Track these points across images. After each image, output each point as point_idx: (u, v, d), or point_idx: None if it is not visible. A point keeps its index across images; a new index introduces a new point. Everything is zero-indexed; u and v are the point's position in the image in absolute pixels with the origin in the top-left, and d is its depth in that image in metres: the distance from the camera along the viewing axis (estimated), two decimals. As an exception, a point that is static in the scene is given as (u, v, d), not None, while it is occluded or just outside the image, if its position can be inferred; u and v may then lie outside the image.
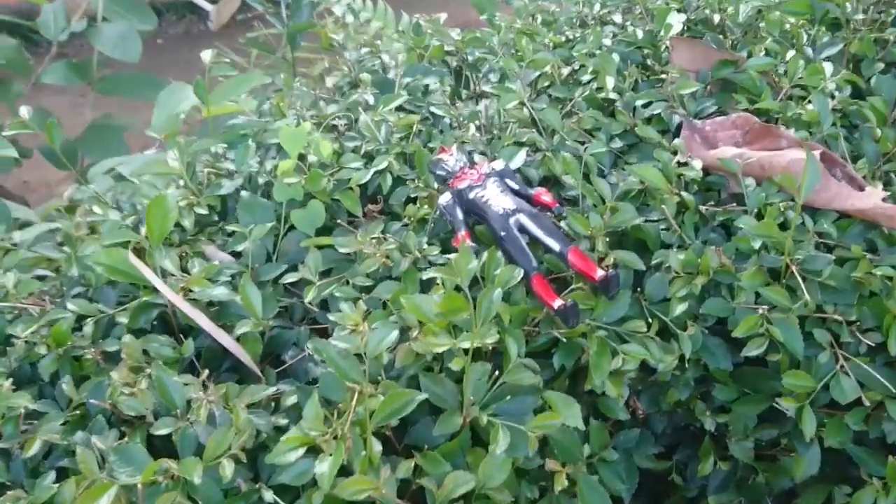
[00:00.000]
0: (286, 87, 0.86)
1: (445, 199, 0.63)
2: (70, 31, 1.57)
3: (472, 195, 0.62)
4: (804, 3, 0.87)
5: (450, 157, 0.65)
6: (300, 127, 0.69)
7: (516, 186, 0.64)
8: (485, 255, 0.58)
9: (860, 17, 0.85)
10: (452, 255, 0.59)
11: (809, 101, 0.70)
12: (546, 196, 0.64)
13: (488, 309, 0.52)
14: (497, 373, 0.52)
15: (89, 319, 0.60)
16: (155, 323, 0.62)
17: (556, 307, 0.55)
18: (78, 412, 0.55)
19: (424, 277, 0.59)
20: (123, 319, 0.61)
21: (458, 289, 0.52)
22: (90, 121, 1.71)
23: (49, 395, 0.59)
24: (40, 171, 1.74)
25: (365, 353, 0.49)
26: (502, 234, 0.59)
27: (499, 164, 0.65)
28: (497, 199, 0.61)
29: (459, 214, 0.62)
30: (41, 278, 0.66)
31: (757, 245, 0.59)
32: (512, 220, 0.59)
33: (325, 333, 0.63)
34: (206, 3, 3.38)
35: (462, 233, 0.61)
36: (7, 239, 0.70)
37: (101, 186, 1.14)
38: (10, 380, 0.55)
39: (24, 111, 0.73)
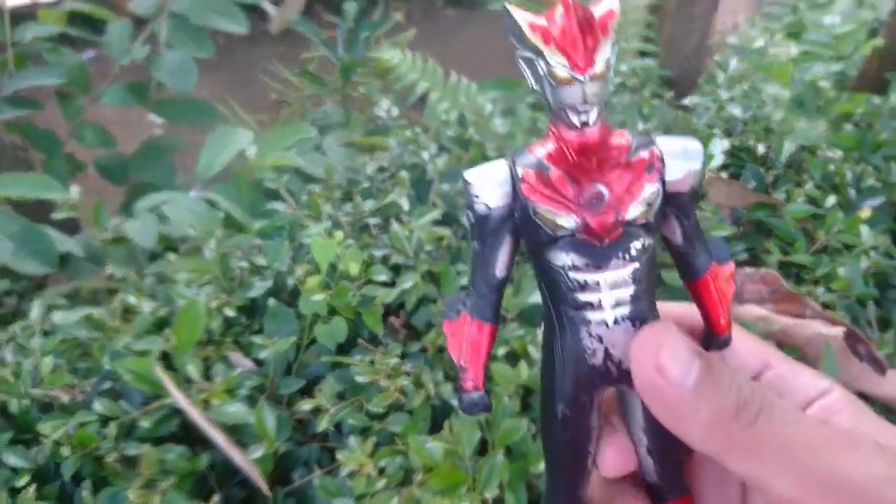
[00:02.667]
0: (326, 176, 0.88)
1: None
2: (132, 56, 1.62)
3: None
4: (852, 139, 0.86)
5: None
6: (331, 240, 0.71)
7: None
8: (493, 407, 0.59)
9: (909, 158, 0.83)
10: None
11: (842, 265, 0.69)
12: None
13: (489, 476, 0.54)
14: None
15: (113, 423, 0.63)
16: (174, 430, 0.64)
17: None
18: (93, 523, 0.58)
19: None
20: (146, 424, 0.63)
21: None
22: (143, 139, 1.76)
23: (70, 491, 0.62)
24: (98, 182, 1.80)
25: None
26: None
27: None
28: None
29: None
30: (74, 370, 0.69)
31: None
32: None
33: (335, 451, 0.65)
34: (268, 5, 3.45)
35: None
36: (47, 321, 0.74)
37: (143, 229, 1.18)
38: (34, 485, 0.58)
39: (75, 192, 0.76)
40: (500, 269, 0.26)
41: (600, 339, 0.25)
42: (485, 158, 0.92)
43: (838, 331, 0.62)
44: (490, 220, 0.25)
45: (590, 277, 0.25)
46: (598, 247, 0.24)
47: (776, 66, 1.51)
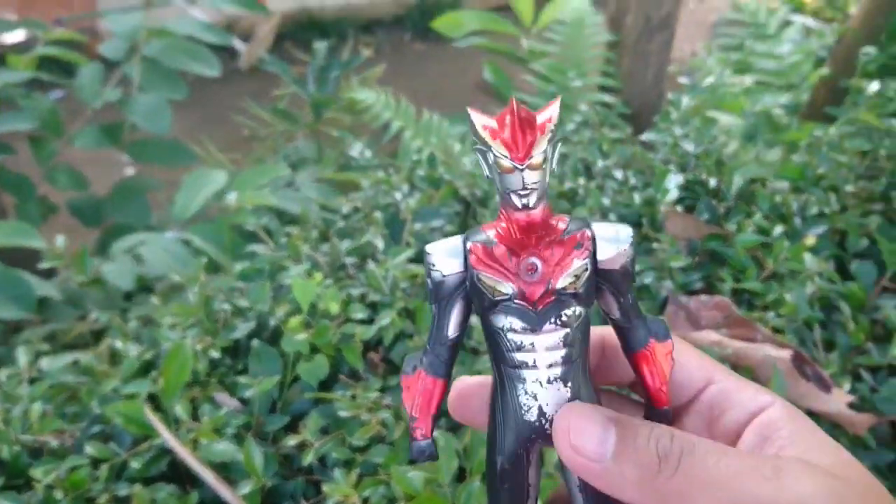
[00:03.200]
0: (302, 217, 0.91)
1: None
2: (104, 99, 1.64)
3: None
4: (796, 170, 0.92)
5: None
6: (311, 281, 0.75)
7: None
8: (467, 437, 0.63)
9: (850, 188, 0.90)
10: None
11: (790, 291, 0.74)
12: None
13: (467, 501, 0.57)
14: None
15: (104, 465, 0.65)
16: (164, 470, 0.67)
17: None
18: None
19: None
20: (136, 464, 0.66)
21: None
22: (116, 179, 1.78)
23: (62, 534, 0.64)
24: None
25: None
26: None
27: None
28: None
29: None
30: (62, 415, 0.71)
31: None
32: None
33: (320, 484, 0.68)
34: (237, 42, 3.48)
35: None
36: (34, 368, 0.76)
37: (121, 271, 1.20)
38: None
39: (60, 242, 0.79)
40: (452, 330, 0.30)
41: (535, 397, 0.28)
42: (455, 196, 0.96)
43: (786, 353, 0.67)
44: (444, 285, 0.29)
45: (525, 339, 0.28)
46: (533, 312, 0.28)
47: (728, 99, 1.59)
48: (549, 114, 0.27)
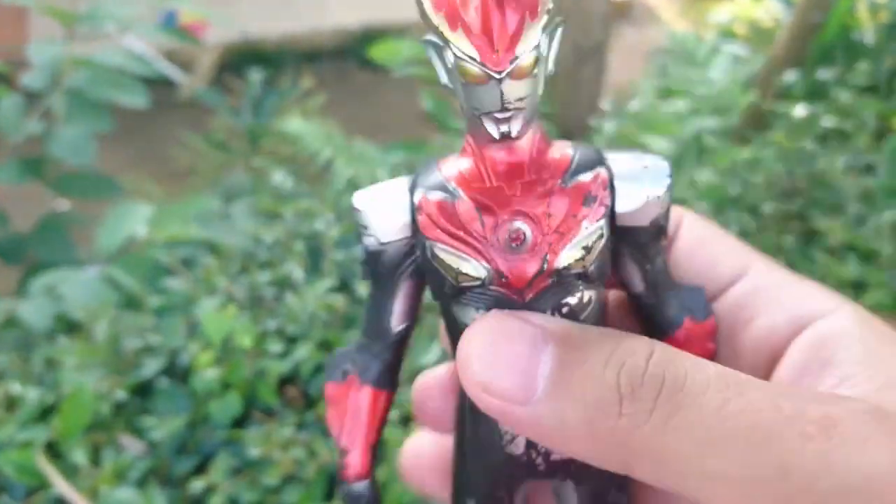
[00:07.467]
0: (221, 249, 0.89)
1: None
2: (26, 133, 1.58)
3: None
4: (714, 191, 0.93)
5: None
6: (223, 312, 0.72)
7: None
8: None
9: (767, 208, 0.91)
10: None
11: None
12: None
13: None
14: None
15: (-7, 520, 0.61)
16: (61, 521, 0.63)
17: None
18: None
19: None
20: (29, 518, 0.62)
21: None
22: (42, 214, 1.71)
23: None
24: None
25: None
26: None
27: None
28: None
29: None
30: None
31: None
32: None
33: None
34: (176, 73, 3.44)
35: None
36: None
37: (37, 311, 1.14)
38: None
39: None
40: (396, 321, 0.20)
41: None
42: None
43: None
44: (383, 257, 0.19)
45: None
46: (518, 303, 0.18)
47: (661, 124, 1.62)
48: None
